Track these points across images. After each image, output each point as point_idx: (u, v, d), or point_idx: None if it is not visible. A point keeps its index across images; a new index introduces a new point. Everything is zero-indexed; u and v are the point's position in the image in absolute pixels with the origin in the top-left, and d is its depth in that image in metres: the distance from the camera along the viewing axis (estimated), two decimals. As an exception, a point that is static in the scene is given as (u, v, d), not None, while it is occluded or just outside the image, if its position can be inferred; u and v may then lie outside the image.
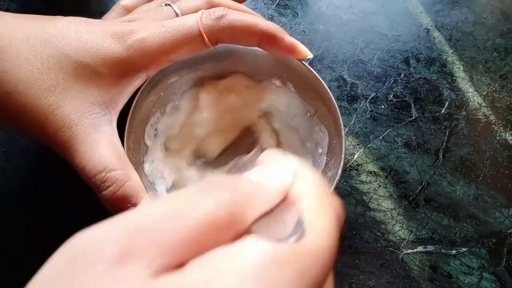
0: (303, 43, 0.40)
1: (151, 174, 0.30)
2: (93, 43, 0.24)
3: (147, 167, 0.30)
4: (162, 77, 0.30)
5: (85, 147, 0.23)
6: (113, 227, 0.12)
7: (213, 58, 0.32)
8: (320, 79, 0.29)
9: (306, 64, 0.30)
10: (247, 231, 0.14)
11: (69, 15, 0.26)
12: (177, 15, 0.28)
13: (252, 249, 0.12)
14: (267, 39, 0.27)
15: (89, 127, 0.24)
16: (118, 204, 0.24)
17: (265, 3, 0.42)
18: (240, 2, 0.31)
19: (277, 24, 0.41)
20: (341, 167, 0.27)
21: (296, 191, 0.15)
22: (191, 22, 0.26)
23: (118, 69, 0.25)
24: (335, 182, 0.27)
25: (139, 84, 0.27)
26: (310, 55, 0.29)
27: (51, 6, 0.39)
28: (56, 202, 0.33)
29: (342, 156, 0.28)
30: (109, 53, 0.24)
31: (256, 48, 0.29)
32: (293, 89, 0.33)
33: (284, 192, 0.15)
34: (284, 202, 0.15)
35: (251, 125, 0.34)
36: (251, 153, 0.27)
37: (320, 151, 0.32)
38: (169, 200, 0.14)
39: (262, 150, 0.31)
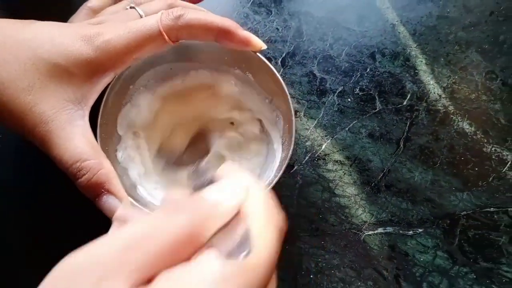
0: (276, 40, 0.43)
1: (124, 161, 0.34)
2: (65, 46, 0.27)
3: (120, 154, 0.33)
4: (130, 73, 0.33)
5: (61, 140, 0.26)
6: (95, 252, 0.16)
7: (177, 52, 0.34)
8: (273, 68, 0.32)
9: (261, 56, 0.32)
10: (207, 245, 0.17)
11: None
12: (141, 16, 0.31)
13: (206, 267, 0.16)
14: (223, 34, 0.30)
15: (64, 122, 0.27)
16: (93, 190, 0.27)
17: (240, 2, 0.44)
18: (195, 3, 0.34)
19: (252, 22, 0.44)
20: (291, 149, 0.31)
21: (246, 208, 0.19)
22: (152, 23, 0.28)
23: (88, 68, 0.27)
24: (286, 161, 0.30)
25: (108, 81, 0.30)
26: (264, 47, 0.31)
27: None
28: (54, 201, 0.35)
29: (293, 139, 0.31)
30: (80, 54, 0.27)
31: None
32: (252, 78, 0.36)
33: (237, 208, 0.19)
34: (237, 217, 0.19)
35: (208, 125, 0.37)
36: (208, 157, 0.31)
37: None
38: (138, 225, 0.17)
39: (218, 152, 0.35)
